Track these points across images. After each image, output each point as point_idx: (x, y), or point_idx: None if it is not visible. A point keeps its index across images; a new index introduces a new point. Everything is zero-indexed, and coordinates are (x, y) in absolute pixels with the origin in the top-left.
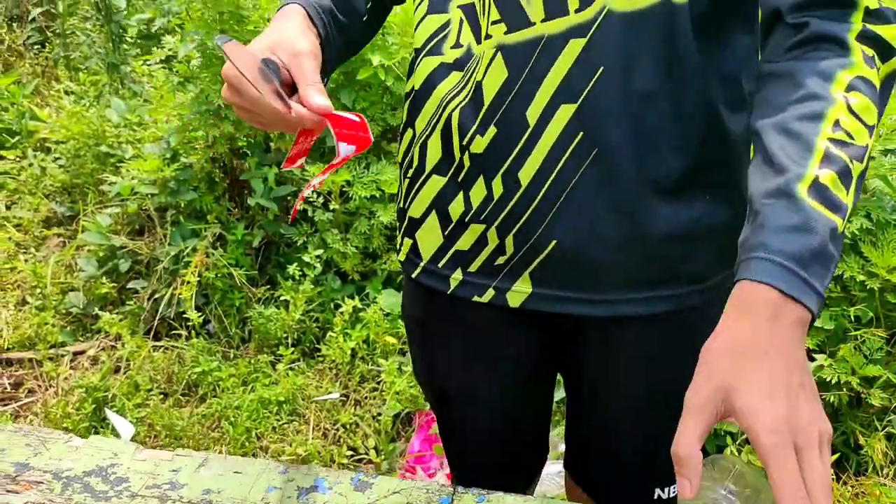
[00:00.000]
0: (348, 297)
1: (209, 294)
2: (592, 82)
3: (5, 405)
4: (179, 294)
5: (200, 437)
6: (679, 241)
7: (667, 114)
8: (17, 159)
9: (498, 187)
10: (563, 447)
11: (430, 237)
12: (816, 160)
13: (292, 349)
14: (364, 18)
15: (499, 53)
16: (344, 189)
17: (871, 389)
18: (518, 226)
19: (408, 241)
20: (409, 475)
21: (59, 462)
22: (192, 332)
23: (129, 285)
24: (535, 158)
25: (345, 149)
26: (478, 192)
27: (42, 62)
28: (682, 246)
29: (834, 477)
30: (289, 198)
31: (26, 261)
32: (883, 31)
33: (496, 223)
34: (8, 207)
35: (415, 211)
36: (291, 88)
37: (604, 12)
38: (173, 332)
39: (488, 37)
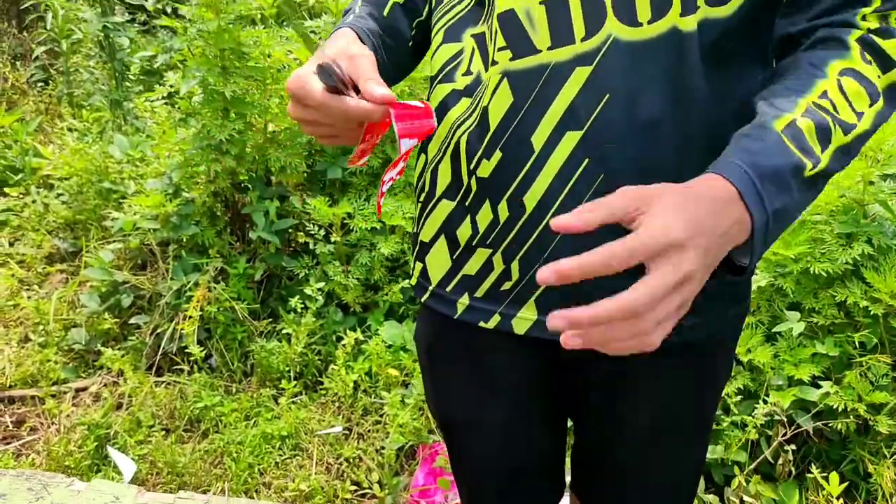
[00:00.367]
0: (350, 329)
1: (211, 328)
2: (598, 110)
3: (7, 444)
4: (181, 329)
5: (203, 475)
6: None
7: (673, 142)
8: (21, 196)
9: (503, 212)
10: None
11: (438, 261)
12: (798, 110)
13: (294, 382)
14: (409, 43)
15: (504, 79)
16: (345, 221)
17: (878, 416)
18: (523, 251)
19: (419, 265)
20: None
21: None
22: (195, 366)
23: (132, 320)
24: (541, 184)
25: (406, 144)
26: (484, 217)
27: (45, 100)
28: None
29: None
30: (290, 230)
31: (29, 297)
32: (884, 43)
33: (502, 248)
34: (11, 244)
35: (425, 235)
36: (354, 91)
37: (609, 41)
38: (175, 366)
39: (494, 63)
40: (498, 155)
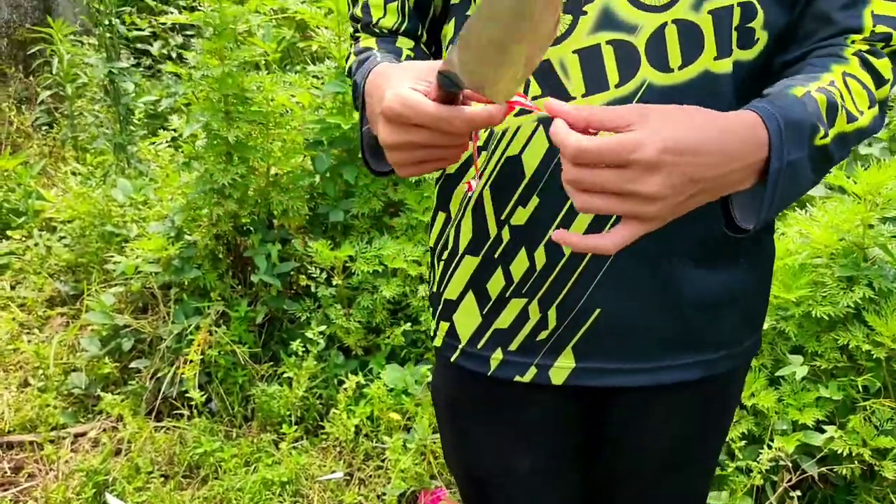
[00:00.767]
0: (352, 372)
1: (212, 372)
2: None
3: (5, 490)
4: (182, 373)
5: None
6: (710, 305)
7: None
8: (23, 239)
9: (541, 258)
10: None
11: (467, 318)
12: (812, 86)
13: (295, 427)
14: None
15: (540, 127)
16: (347, 264)
17: (883, 462)
18: (561, 296)
19: (444, 325)
20: None
21: None
22: (195, 411)
23: (132, 364)
24: (578, 227)
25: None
26: (519, 265)
27: (50, 143)
28: (714, 310)
29: None
30: (291, 273)
31: (29, 341)
32: (876, 62)
33: (538, 295)
34: (13, 287)
35: (451, 293)
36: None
37: (644, 86)
38: (176, 411)
39: (528, 111)
40: (535, 201)
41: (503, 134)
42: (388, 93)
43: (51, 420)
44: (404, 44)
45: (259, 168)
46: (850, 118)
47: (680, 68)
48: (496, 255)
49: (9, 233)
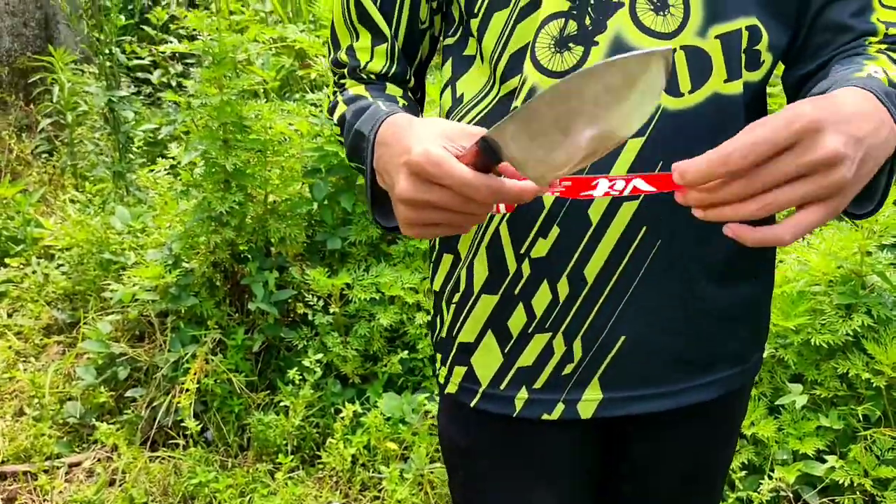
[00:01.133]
0: (349, 401)
1: (208, 401)
2: None
3: None
4: (177, 402)
5: None
6: (728, 322)
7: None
8: (21, 267)
9: (564, 289)
10: None
11: (487, 359)
12: (866, 71)
13: (292, 457)
14: None
15: None
16: (344, 292)
17: (885, 492)
18: (585, 327)
19: (460, 370)
20: None
21: None
22: (190, 440)
23: (128, 393)
24: (600, 255)
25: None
26: (541, 299)
27: (49, 171)
28: (730, 327)
29: None
30: (289, 301)
31: (25, 370)
32: None
33: (563, 328)
34: (9, 315)
35: (467, 336)
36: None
37: (659, 111)
38: (171, 440)
39: None
40: (555, 231)
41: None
42: (417, 146)
43: (45, 450)
44: (394, 91)
45: (257, 196)
46: None
47: (690, 92)
48: (516, 292)
49: (7, 260)
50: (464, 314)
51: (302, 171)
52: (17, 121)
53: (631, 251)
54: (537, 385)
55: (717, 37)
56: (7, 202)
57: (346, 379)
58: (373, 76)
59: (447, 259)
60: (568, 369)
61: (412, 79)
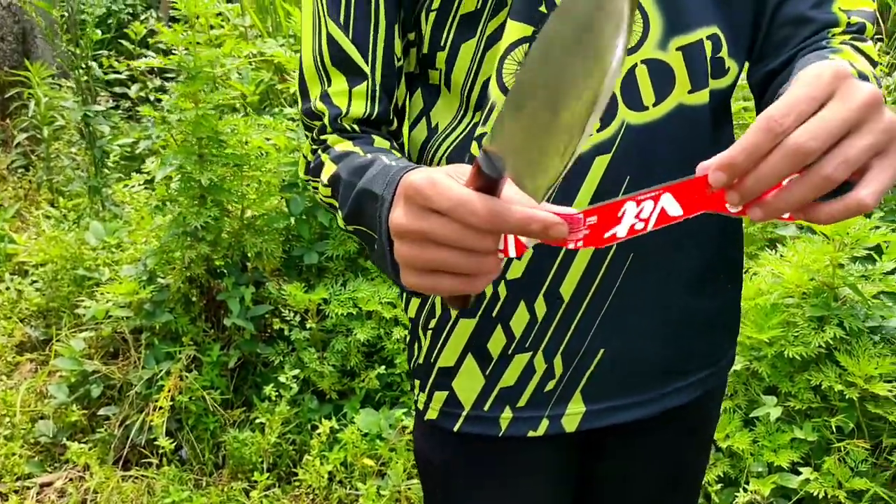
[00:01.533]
0: (325, 417)
1: (182, 418)
2: (621, 193)
3: None
4: (151, 420)
5: None
6: (704, 327)
7: (694, 220)
8: None
9: (541, 308)
10: None
11: (469, 382)
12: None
13: (267, 474)
14: None
15: None
16: (321, 307)
17: (859, 503)
18: (565, 343)
19: (440, 395)
20: None
21: None
22: (164, 459)
23: (101, 412)
24: (575, 272)
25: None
26: (520, 320)
27: (25, 186)
28: (706, 332)
29: None
30: (266, 316)
31: None
32: (862, 46)
33: (542, 346)
34: None
35: (446, 361)
36: None
37: (623, 127)
38: (144, 459)
39: None
40: (529, 252)
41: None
42: (416, 174)
43: (16, 470)
44: (383, 143)
45: (233, 210)
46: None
47: (654, 105)
48: (494, 314)
49: None
50: (442, 339)
51: (279, 185)
52: None
53: (605, 267)
54: (521, 404)
55: (678, 49)
56: None
57: (324, 395)
58: (356, 126)
59: None
60: (550, 386)
61: (395, 121)
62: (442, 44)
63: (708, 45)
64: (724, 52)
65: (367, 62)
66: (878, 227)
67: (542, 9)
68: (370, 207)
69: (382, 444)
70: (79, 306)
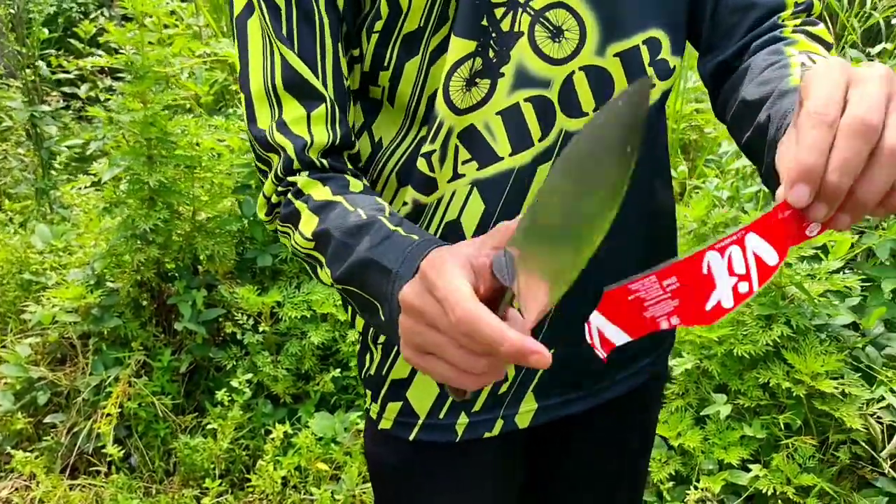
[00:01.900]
0: (279, 421)
1: (132, 425)
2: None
3: None
4: (99, 428)
5: None
6: None
7: (630, 213)
8: None
9: None
10: None
11: (423, 392)
12: (793, 68)
13: (220, 481)
14: None
15: (474, 189)
16: (274, 310)
17: (807, 499)
18: None
19: (394, 405)
20: None
21: None
22: (113, 467)
23: (47, 419)
24: None
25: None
26: None
27: None
28: None
29: None
30: (219, 319)
31: None
32: (814, 30)
33: None
34: None
35: (399, 373)
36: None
37: (562, 135)
38: (93, 467)
39: (461, 176)
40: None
41: (440, 200)
42: (439, 258)
43: None
44: (357, 186)
45: (184, 213)
46: None
47: (594, 110)
48: None
49: None
50: (393, 352)
51: (232, 187)
52: None
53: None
54: (476, 409)
55: (615, 55)
56: None
57: (278, 399)
58: (324, 161)
59: None
60: (503, 388)
61: (355, 143)
62: (385, 64)
63: (644, 50)
64: (665, 53)
65: (322, 83)
66: None
67: (484, 23)
68: (377, 279)
69: (337, 449)
70: (25, 311)
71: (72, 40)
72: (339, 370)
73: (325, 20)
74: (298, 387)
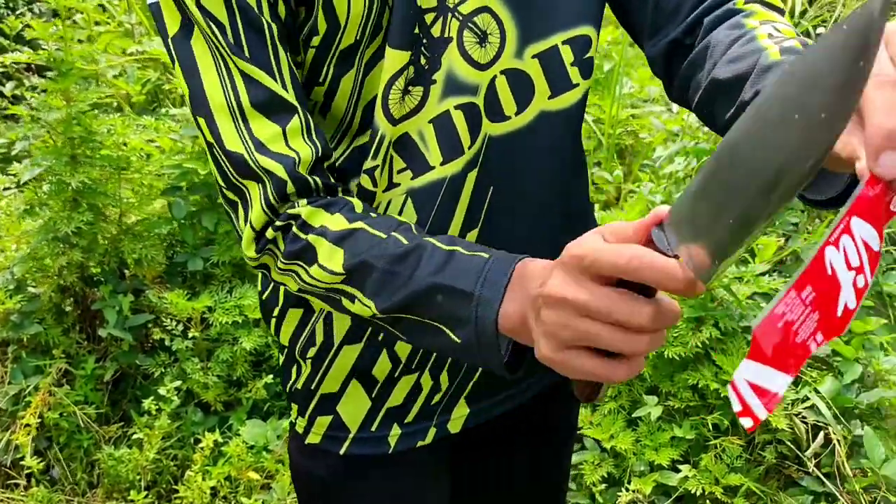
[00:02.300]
0: (210, 430)
1: (53, 436)
2: (486, 204)
3: None
4: (16, 439)
5: None
6: None
7: (557, 218)
8: None
9: None
10: None
11: (355, 406)
12: (767, 47)
13: (146, 493)
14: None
15: (408, 199)
16: (205, 315)
17: (735, 499)
18: (450, 360)
19: (323, 420)
20: None
21: None
22: (32, 479)
23: None
24: None
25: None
26: (404, 345)
27: None
28: None
29: None
30: (147, 325)
31: None
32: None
33: (428, 366)
34: None
35: (329, 387)
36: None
37: (486, 139)
38: (11, 481)
39: (396, 185)
40: None
41: (375, 210)
42: (554, 280)
43: None
44: (358, 205)
45: (110, 215)
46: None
47: (516, 114)
48: (381, 338)
49: None
50: (324, 367)
51: (162, 188)
52: None
53: None
54: (409, 420)
55: (534, 56)
56: None
57: (208, 407)
58: (316, 179)
59: (295, 313)
60: (437, 398)
61: (331, 153)
62: (321, 79)
63: (565, 50)
64: (593, 51)
65: (287, 92)
66: None
67: (416, 31)
68: (448, 304)
69: (269, 457)
70: None
71: None
72: (271, 376)
73: (274, 28)
74: (230, 394)
